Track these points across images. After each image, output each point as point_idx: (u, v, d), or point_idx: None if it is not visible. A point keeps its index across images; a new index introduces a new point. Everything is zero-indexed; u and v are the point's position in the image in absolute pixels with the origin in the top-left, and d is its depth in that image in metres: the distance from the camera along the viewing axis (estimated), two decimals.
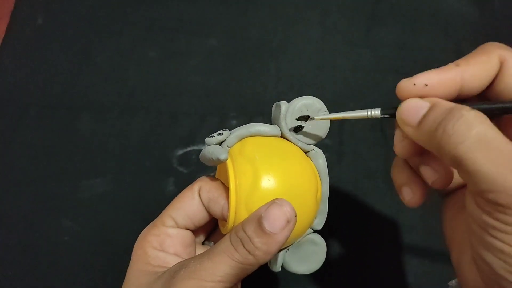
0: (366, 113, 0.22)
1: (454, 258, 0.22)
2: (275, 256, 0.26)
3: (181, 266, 0.22)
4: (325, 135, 0.26)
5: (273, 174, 0.23)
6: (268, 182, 0.23)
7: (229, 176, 0.23)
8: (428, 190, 0.23)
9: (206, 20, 0.45)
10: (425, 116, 0.19)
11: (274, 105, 0.26)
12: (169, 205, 0.26)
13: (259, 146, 0.25)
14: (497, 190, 0.16)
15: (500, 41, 0.21)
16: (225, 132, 0.25)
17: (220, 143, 0.25)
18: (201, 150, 0.40)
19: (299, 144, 0.26)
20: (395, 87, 0.21)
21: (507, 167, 0.16)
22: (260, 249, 0.21)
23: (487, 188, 0.16)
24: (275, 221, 0.21)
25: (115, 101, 0.42)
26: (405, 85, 0.20)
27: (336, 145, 0.40)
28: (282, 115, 0.25)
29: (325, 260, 0.27)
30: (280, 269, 0.26)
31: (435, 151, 0.19)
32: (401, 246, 0.36)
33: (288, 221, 0.21)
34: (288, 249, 0.26)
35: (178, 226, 0.25)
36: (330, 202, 0.27)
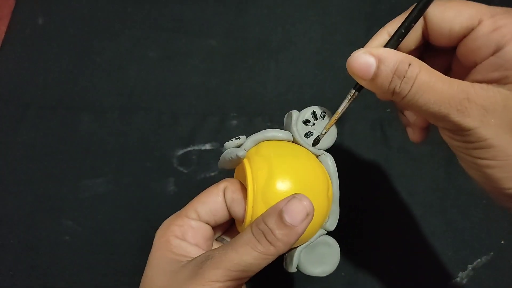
0: (347, 97, 0.25)
1: None
2: (291, 256, 0.27)
3: (206, 257, 0.23)
4: (332, 142, 0.28)
5: (287, 169, 0.25)
6: (283, 176, 0.24)
7: (246, 172, 0.25)
8: (425, 128, 0.26)
9: (206, 20, 0.45)
10: (375, 74, 0.21)
11: (286, 115, 0.29)
12: (194, 199, 0.27)
13: (274, 147, 0.26)
14: (444, 122, 0.21)
15: None
16: (242, 137, 0.27)
17: (238, 147, 0.27)
18: (201, 150, 0.40)
19: (310, 148, 0.27)
20: None
21: (446, 104, 0.20)
22: (281, 240, 0.22)
23: (436, 123, 0.22)
24: (296, 214, 0.22)
25: (115, 101, 0.42)
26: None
27: (336, 144, 0.40)
28: (293, 122, 0.27)
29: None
30: (296, 270, 0.27)
31: (391, 99, 0.22)
32: (401, 246, 0.36)
33: (308, 214, 0.22)
34: (303, 250, 0.27)
35: (200, 220, 0.27)
36: None
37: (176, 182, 0.39)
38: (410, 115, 0.27)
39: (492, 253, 0.36)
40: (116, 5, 0.46)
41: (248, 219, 0.25)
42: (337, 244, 0.28)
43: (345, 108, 0.26)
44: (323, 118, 0.28)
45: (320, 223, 0.27)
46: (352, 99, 0.25)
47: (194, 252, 0.25)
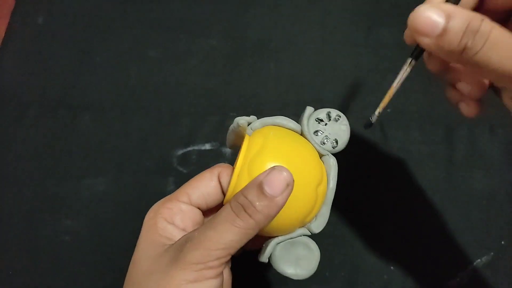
0: (403, 68, 0.24)
1: None
2: (266, 245, 0.26)
3: (186, 239, 0.23)
4: (343, 146, 0.28)
5: (280, 149, 0.25)
6: (273, 153, 0.25)
7: (243, 145, 0.25)
8: (480, 100, 0.26)
9: (206, 20, 0.45)
10: (444, 30, 0.20)
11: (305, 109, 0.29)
12: (185, 183, 0.27)
13: (277, 130, 0.27)
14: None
15: None
16: (253, 117, 0.27)
17: (247, 125, 0.27)
18: (201, 150, 0.40)
19: (315, 145, 0.27)
20: None
21: None
22: (261, 212, 0.22)
23: (506, 84, 0.20)
24: (275, 184, 0.22)
25: (115, 101, 0.42)
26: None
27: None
28: (306, 116, 0.27)
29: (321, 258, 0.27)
30: (267, 260, 0.26)
31: (456, 61, 0.21)
32: (401, 246, 0.36)
33: (288, 185, 0.22)
34: (280, 243, 0.26)
35: (191, 204, 0.26)
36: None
37: (176, 182, 0.39)
38: (464, 87, 0.26)
39: (492, 253, 0.36)
40: (116, 5, 0.46)
41: (231, 189, 0.24)
42: (318, 250, 0.26)
43: (402, 81, 0.24)
44: (336, 121, 0.28)
45: (302, 215, 0.25)
46: (409, 68, 0.24)
47: (180, 236, 0.25)
